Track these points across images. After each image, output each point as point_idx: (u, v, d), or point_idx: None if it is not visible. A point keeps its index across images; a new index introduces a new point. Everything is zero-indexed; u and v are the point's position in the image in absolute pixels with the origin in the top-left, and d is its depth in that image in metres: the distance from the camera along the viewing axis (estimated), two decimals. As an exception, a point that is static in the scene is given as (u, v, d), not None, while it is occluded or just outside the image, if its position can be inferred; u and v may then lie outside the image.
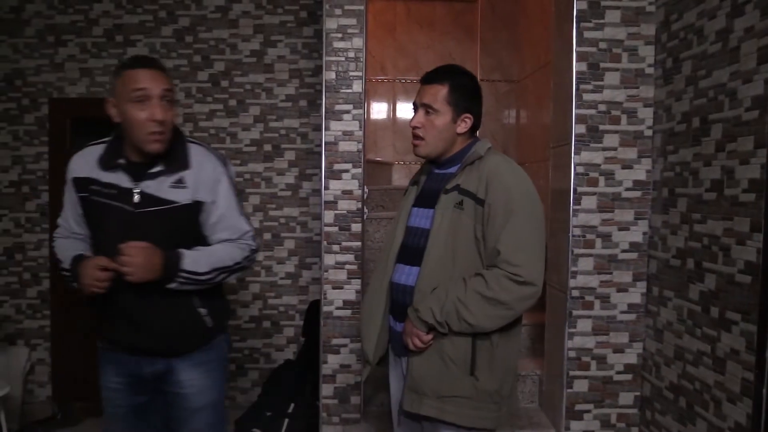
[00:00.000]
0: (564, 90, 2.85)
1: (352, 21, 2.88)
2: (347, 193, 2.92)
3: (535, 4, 4.29)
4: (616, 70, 2.74)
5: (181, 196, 1.84)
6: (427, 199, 1.94)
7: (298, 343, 3.98)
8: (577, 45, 2.73)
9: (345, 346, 2.95)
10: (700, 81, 2.38)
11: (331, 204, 2.92)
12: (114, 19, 3.93)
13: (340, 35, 2.89)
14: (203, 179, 1.87)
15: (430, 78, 1.91)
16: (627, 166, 2.76)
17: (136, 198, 1.81)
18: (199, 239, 1.92)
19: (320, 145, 2.95)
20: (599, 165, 2.75)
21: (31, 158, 3.98)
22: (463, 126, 1.90)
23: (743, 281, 2.08)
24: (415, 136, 1.92)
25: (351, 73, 2.90)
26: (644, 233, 2.77)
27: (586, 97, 2.74)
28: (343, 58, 2.90)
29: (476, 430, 1.84)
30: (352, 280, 2.94)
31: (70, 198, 1.93)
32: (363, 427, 2.96)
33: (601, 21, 2.73)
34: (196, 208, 1.87)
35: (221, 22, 3.94)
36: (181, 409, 1.95)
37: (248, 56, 3.95)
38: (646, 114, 2.75)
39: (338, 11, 2.88)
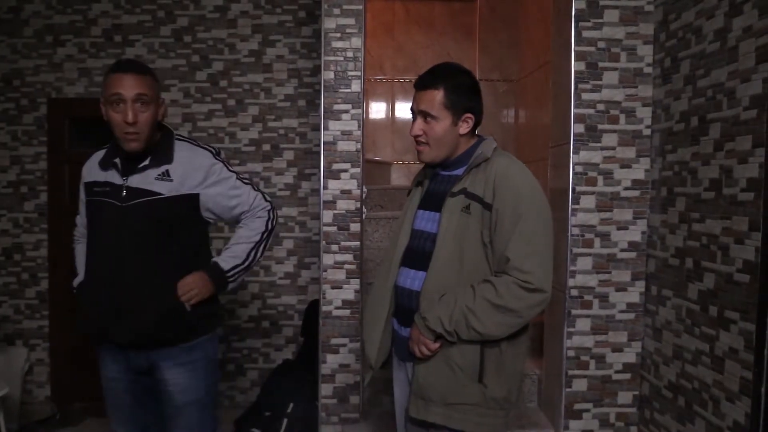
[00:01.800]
0: (563, 89, 2.85)
1: (351, 21, 2.88)
2: (346, 193, 2.92)
3: (533, 3, 4.30)
4: (615, 69, 2.74)
5: (166, 188, 1.94)
6: (432, 201, 1.90)
7: (297, 342, 3.98)
8: (576, 44, 2.73)
9: (344, 345, 2.95)
10: (698, 80, 2.38)
11: (330, 204, 2.92)
12: (113, 19, 3.93)
13: (338, 35, 2.89)
14: (190, 172, 1.98)
15: (424, 83, 1.84)
16: (625, 165, 2.76)
17: (124, 192, 1.94)
18: (193, 229, 2.05)
19: (319, 145, 2.95)
20: (598, 164, 2.76)
21: (29, 158, 3.97)
22: (465, 126, 1.85)
23: (742, 280, 2.08)
24: (418, 143, 1.87)
25: (350, 73, 2.90)
26: (643, 232, 2.77)
27: (585, 96, 2.74)
28: (341, 58, 2.90)
29: None
30: (351, 280, 2.94)
31: (81, 200, 2.11)
32: (362, 427, 2.97)
33: (600, 20, 2.73)
34: (185, 200, 1.98)
35: (220, 22, 3.93)
36: (167, 405, 2.03)
37: (247, 56, 3.95)
38: (645, 113, 2.75)
39: (337, 11, 2.88)
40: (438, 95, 1.81)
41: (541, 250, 1.75)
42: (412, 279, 1.87)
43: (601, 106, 2.75)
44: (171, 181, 1.95)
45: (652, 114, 2.74)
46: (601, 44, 2.74)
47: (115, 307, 1.93)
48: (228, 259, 2.06)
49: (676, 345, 2.51)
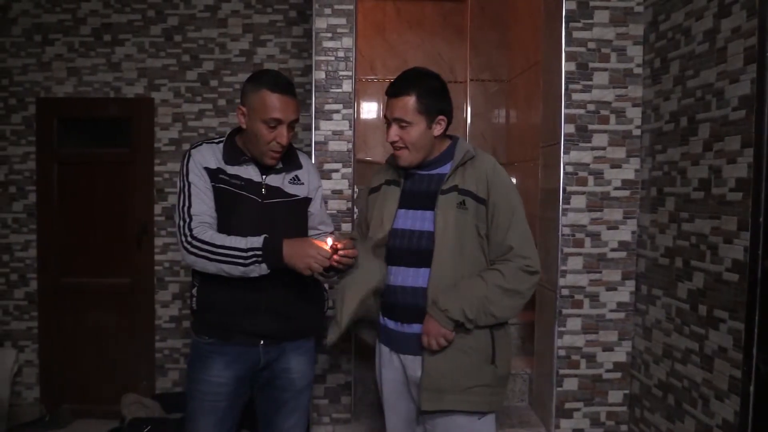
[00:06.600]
0: (553, 90, 2.86)
1: (342, 20, 2.88)
2: (337, 193, 2.92)
3: (524, 3, 4.31)
4: (605, 69, 2.75)
5: (300, 191, 2.10)
6: (416, 200, 1.96)
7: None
8: (566, 45, 2.74)
9: (335, 345, 2.94)
10: (687, 81, 2.40)
11: (321, 204, 2.91)
12: (102, 18, 3.90)
13: (329, 35, 2.89)
14: (312, 180, 2.16)
15: (395, 91, 1.92)
16: (616, 165, 2.77)
17: (264, 190, 2.02)
18: (307, 231, 2.18)
19: (310, 145, 2.94)
20: (588, 164, 2.77)
21: (18, 158, 3.94)
22: (439, 128, 1.94)
23: (731, 279, 2.09)
24: (396, 148, 1.95)
25: (341, 73, 2.89)
26: (633, 232, 2.78)
27: (575, 96, 2.75)
28: (332, 58, 2.89)
29: (486, 413, 1.94)
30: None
31: (205, 186, 1.99)
32: (354, 426, 2.96)
33: (590, 21, 2.74)
34: (307, 203, 2.14)
35: (210, 22, 3.92)
36: (287, 391, 2.13)
37: (237, 56, 3.93)
38: (635, 114, 2.76)
39: (328, 11, 2.87)
40: (410, 101, 1.89)
41: (531, 237, 1.92)
42: (414, 277, 1.92)
43: (591, 107, 2.76)
44: (302, 184, 2.11)
45: (642, 114, 2.75)
46: (592, 45, 2.75)
47: (265, 301, 1.98)
48: None
49: (666, 344, 2.52)
